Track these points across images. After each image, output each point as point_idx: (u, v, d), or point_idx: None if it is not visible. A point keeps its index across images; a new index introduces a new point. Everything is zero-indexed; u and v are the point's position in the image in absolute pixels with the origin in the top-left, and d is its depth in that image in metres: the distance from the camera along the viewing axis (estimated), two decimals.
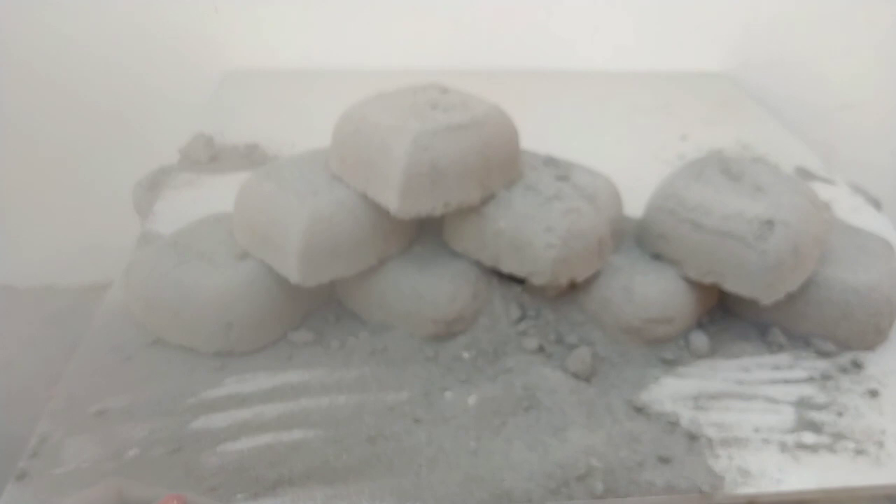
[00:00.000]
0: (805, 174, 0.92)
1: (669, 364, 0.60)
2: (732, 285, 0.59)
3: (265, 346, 0.60)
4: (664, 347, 0.62)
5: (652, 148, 0.97)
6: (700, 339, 0.62)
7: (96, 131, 1.18)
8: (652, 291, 0.60)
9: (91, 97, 1.15)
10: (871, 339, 0.63)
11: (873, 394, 0.59)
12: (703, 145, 0.98)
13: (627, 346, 0.61)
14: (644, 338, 0.61)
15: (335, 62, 1.18)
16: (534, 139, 0.67)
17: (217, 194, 0.74)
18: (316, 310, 0.63)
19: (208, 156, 0.89)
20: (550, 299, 0.63)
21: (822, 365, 0.61)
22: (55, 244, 1.28)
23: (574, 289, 0.63)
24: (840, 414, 0.57)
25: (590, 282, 0.62)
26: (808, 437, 0.54)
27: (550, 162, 0.66)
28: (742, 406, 0.57)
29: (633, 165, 0.73)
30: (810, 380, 0.60)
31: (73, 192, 1.23)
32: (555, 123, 1.02)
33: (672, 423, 0.55)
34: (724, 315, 0.66)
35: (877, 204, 0.87)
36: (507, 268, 0.60)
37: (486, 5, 1.16)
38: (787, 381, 0.60)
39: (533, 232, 0.57)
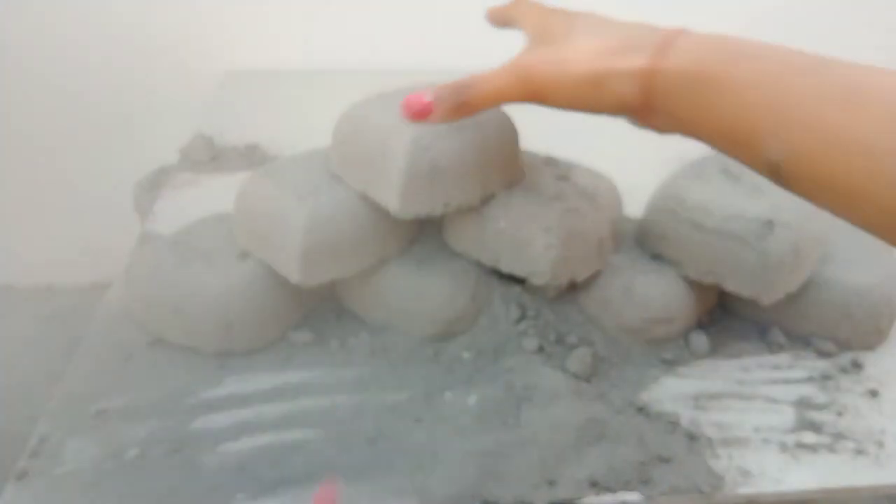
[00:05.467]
0: None
1: (669, 364, 0.60)
2: (732, 285, 0.59)
3: (265, 346, 0.60)
4: (664, 347, 0.62)
5: (652, 148, 0.97)
6: (700, 339, 0.62)
7: (96, 131, 1.18)
8: (652, 291, 0.60)
9: (91, 97, 1.15)
10: (871, 339, 0.63)
11: (873, 394, 0.59)
12: (703, 145, 0.98)
13: (627, 346, 0.61)
14: (644, 338, 0.61)
15: (335, 62, 1.18)
16: (534, 139, 0.67)
17: (217, 194, 0.74)
18: (316, 310, 0.63)
19: (208, 156, 0.89)
20: (550, 299, 0.63)
21: (822, 365, 0.61)
22: (55, 244, 1.29)
23: (574, 289, 0.63)
24: (840, 414, 0.57)
25: (590, 282, 0.62)
26: (808, 437, 0.54)
27: (550, 162, 0.66)
28: (742, 406, 0.57)
29: (633, 165, 0.73)
30: (810, 380, 0.60)
31: (73, 192, 1.23)
32: (555, 123, 1.01)
33: (672, 423, 0.55)
34: (724, 315, 0.66)
35: None
36: (507, 268, 0.60)
37: (486, 5, 1.15)
38: (787, 381, 0.60)
39: (533, 232, 0.57)
